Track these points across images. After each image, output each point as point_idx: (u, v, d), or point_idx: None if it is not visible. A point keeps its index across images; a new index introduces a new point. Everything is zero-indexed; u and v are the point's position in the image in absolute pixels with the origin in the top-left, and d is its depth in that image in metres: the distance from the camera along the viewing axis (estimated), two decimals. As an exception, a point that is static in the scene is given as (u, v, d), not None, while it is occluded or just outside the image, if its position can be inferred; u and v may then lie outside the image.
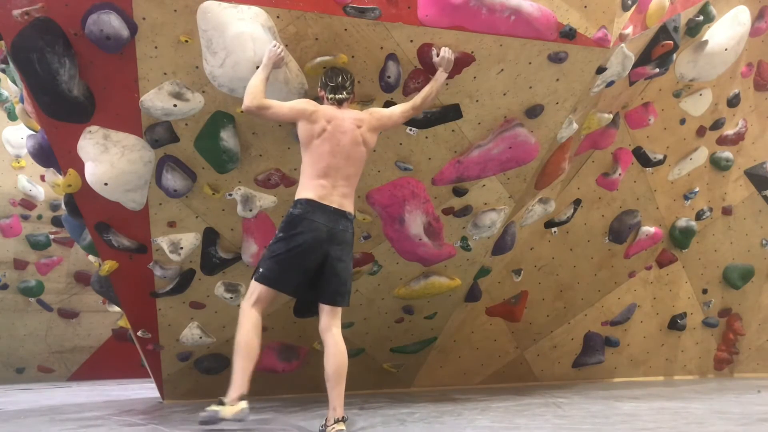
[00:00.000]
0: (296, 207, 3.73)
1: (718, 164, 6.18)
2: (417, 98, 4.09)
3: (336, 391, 3.59)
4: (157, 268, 4.71)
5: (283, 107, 3.83)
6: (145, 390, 6.46)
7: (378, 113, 4.00)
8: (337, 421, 3.51)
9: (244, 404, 3.59)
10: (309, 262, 3.69)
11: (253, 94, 3.77)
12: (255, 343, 3.67)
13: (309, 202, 3.70)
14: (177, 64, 4.04)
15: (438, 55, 4.10)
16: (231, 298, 4.88)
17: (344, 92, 3.89)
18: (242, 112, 4.09)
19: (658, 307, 6.46)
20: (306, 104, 3.85)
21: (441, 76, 4.12)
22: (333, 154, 3.77)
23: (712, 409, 3.97)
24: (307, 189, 3.74)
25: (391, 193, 4.71)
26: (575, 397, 4.84)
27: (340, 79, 3.90)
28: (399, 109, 4.07)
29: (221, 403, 3.56)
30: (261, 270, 3.74)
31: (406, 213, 4.78)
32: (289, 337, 5.31)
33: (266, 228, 4.67)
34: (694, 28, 5.17)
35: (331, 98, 3.89)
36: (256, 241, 4.67)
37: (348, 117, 3.86)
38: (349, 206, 3.80)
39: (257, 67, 3.88)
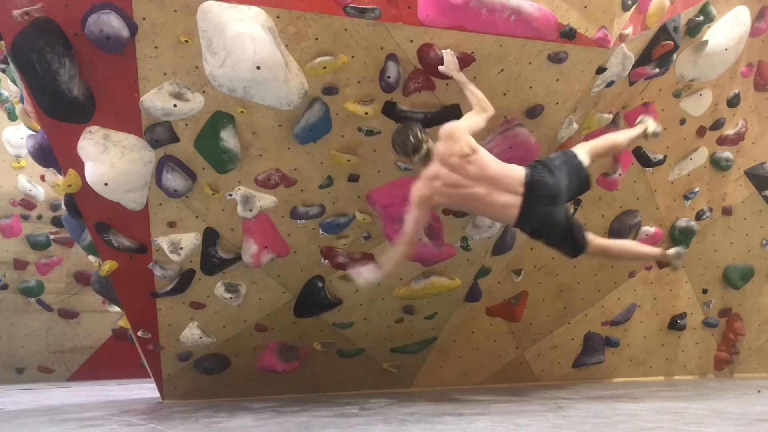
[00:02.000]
0: None
1: (718, 164, 6.18)
2: (479, 108, 4.17)
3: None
4: (157, 268, 4.71)
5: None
6: (145, 390, 6.46)
7: (461, 131, 4.11)
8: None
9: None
10: None
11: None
12: None
13: None
14: (177, 64, 4.04)
15: (443, 63, 4.13)
16: (231, 298, 4.88)
17: (422, 148, 4.06)
18: (241, 112, 4.09)
19: (658, 307, 6.46)
20: (423, 189, 4.12)
21: (459, 77, 4.17)
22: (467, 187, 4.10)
23: (712, 409, 3.97)
24: None
25: (391, 193, 4.71)
26: (575, 398, 4.83)
27: (408, 138, 4.07)
28: (477, 117, 4.17)
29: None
30: None
31: (406, 213, 4.78)
32: (289, 338, 5.31)
33: (266, 228, 4.67)
34: (694, 28, 5.17)
35: (418, 161, 4.09)
36: (256, 241, 4.68)
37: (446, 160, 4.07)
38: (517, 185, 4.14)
39: (258, 68, 3.88)
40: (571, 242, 4.34)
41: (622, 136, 4.74)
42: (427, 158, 4.10)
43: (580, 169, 4.27)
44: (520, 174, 4.12)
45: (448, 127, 4.14)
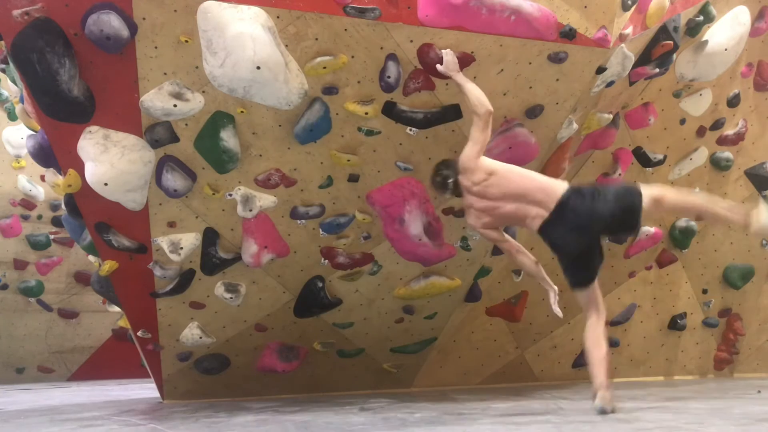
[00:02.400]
0: None
1: (718, 164, 6.18)
2: (471, 108, 4.13)
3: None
4: (157, 268, 4.71)
5: None
6: (145, 390, 6.46)
7: (472, 160, 4.12)
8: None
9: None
10: None
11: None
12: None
13: None
14: (177, 64, 4.04)
15: (441, 63, 4.12)
16: (231, 298, 4.88)
17: (448, 186, 4.22)
18: (241, 112, 4.10)
19: (658, 307, 6.46)
20: (469, 220, 4.34)
21: (458, 78, 4.15)
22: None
23: (712, 409, 3.97)
24: None
25: (391, 193, 4.71)
26: (575, 398, 4.83)
27: (436, 181, 4.30)
28: (475, 132, 4.14)
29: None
30: None
31: (406, 213, 4.78)
32: (289, 338, 5.31)
33: (266, 228, 4.67)
34: (694, 28, 5.17)
35: (451, 196, 4.35)
36: (256, 242, 4.67)
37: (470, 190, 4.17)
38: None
39: (258, 68, 3.88)
40: (574, 275, 4.12)
41: (711, 207, 4.12)
42: (459, 191, 4.23)
43: (634, 211, 3.90)
44: (557, 191, 4.00)
45: (461, 160, 4.15)
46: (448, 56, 4.11)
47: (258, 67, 3.89)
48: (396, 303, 5.29)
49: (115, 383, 8.08)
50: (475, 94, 4.11)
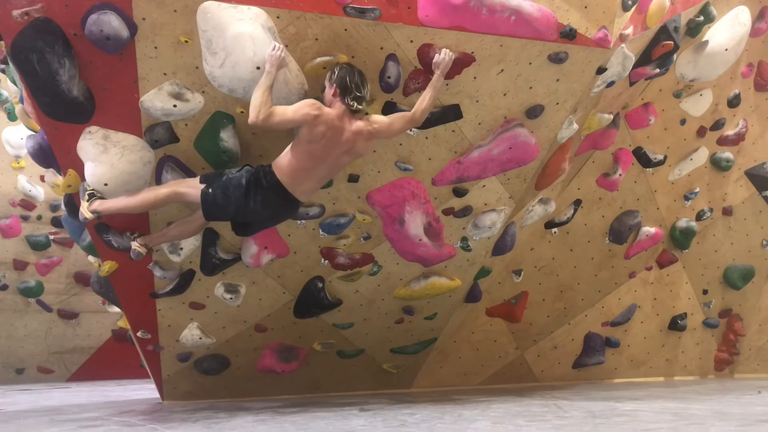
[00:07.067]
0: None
1: (718, 165, 6.18)
2: (417, 110, 4.12)
3: None
4: (156, 269, 4.71)
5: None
6: (145, 390, 6.46)
7: (378, 123, 4.10)
8: None
9: None
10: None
11: (257, 107, 3.83)
12: None
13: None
14: (177, 65, 4.04)
15: (438, 56, 4.09)
16: (231, 298, 4.87)
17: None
18: (241, 112, 4.10)
19: (659, 307, 6.46)
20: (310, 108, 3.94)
21: (438, 80, 4.12)
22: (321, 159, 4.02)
23: (713, 410, 3.97)
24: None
25: (391, 194, 4.71)
26: (576, 398, 4.83)
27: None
28: (399, 123, 4.14)
29: None
30: None
31: (406, 213, 4.78)
32: (288, 338, 5.31)
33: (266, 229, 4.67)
34: (694, 29, 5.17)
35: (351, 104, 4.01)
36: (256, 242, 4.67)
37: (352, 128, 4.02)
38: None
39: (257, 68, 3.87)
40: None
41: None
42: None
43: None
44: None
45: (376, 119, 4.15)
46: (447, 57, 4.08)
47: (258, 68, 3.89)
48: (396, 303, 5.28)
49: (114, 384, 8.07)
50: (428, 105, 4.14)
